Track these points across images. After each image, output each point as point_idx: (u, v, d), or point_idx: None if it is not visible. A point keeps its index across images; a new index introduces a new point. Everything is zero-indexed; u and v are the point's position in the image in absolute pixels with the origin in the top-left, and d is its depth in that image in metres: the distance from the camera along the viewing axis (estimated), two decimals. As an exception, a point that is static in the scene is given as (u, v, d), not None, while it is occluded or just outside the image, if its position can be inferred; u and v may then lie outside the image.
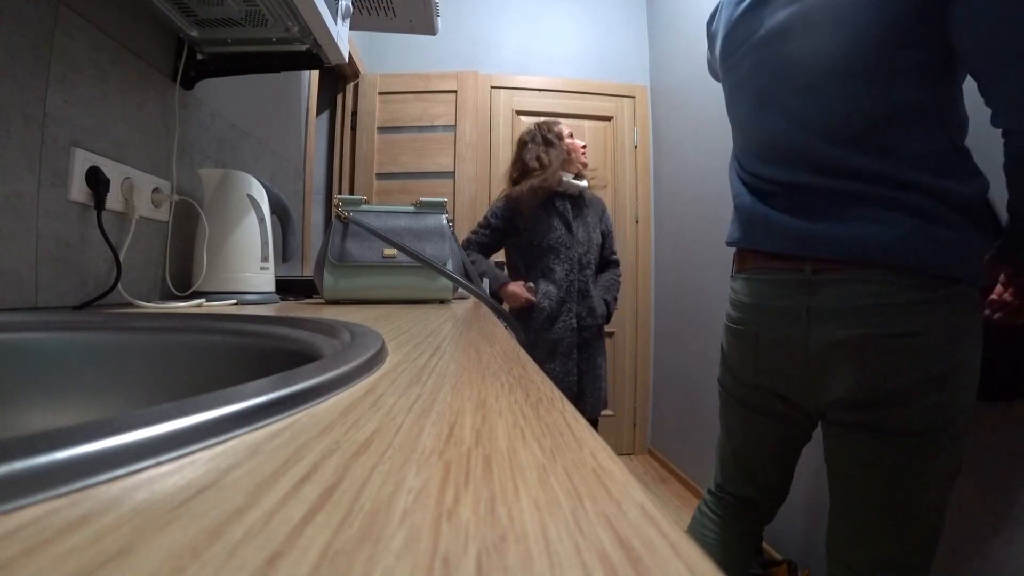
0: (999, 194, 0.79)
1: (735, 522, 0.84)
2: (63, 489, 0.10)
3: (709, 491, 0.90)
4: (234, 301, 0.81)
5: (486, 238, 1.49)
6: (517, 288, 1.42)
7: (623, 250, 2.33)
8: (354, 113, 2.23)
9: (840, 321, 0.64)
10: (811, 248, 0.66)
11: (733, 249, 0.82)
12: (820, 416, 0.71)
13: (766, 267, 0.73)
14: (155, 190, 0.79)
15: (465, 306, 0.86)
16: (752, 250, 0.76)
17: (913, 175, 0.61)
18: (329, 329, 0.34)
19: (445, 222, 0.92)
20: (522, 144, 1.53)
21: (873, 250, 0.61)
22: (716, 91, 1.13)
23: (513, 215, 1.46)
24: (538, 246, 1.44)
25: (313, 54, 0.88)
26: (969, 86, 0.61)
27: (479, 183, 2.22)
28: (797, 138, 0.68)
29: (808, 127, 0.67)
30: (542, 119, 1.56)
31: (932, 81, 0.60)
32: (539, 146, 1.49)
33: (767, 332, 0.73)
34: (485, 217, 1.50)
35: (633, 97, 2.40)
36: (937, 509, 0.63)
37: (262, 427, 0.14)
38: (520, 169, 1.50)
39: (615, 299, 1.52)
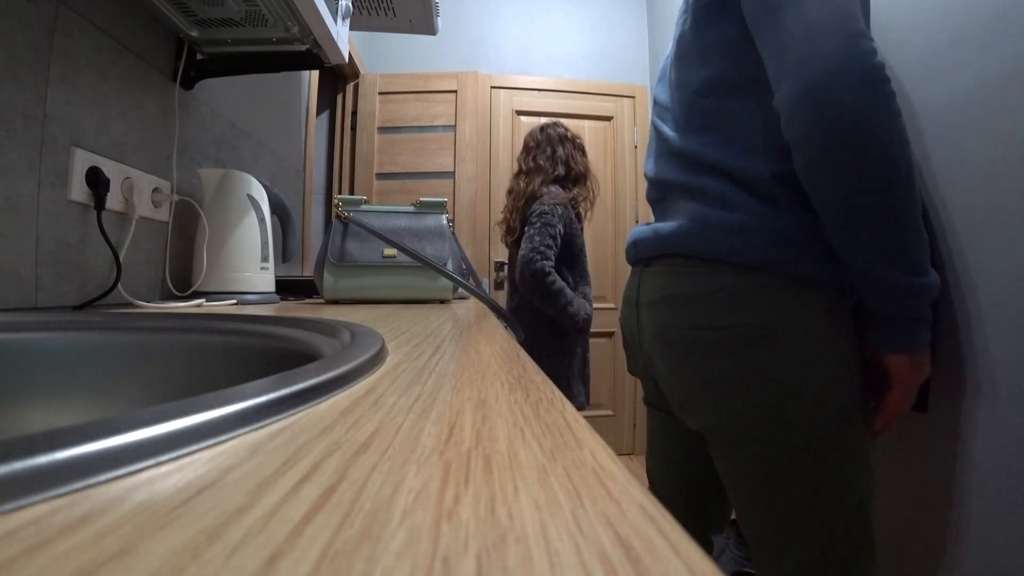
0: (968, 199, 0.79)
1: None
2: (63, 489, 0.10)
3: None
4: (234, 301, 0.81)
5: (556, 253, 1.35)
6: None
7: (623, 249, 2.33)
8: (354, 113, 2.23)
9: (653, 312, 0.63)
10: (643, 252, 0.68)
11: None
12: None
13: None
14: (155, 190, 0.79)
15: (465, 306, 0.86)
16: None
17: (721, 156, 0.58)
18: (329, 329, 0.34)
19: (445, 222, 0.92)
20: (557, 141, 1.45)
21: (668, 243, 0.61)
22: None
23: (569, 221, 1.37)
24: (580, 251, 1.43)
25: (313, 54, 0.88)
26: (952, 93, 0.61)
27: (479, 183, 2.22)
28: (666, 132, 0.69)
29: (669, 120, 0.69)
30: (554, 120, 1.52)
31: (740, 53, 0.57)
32: (576, 151, 1.47)
33: (623, 322, 0.76)
34: (552, 226, 1.32)
35: (633, 97, 2.40)
36: (825, 534, 0.53)
37: (262, 427, 0.14)
38: (565, 169, 1.43)
39: None
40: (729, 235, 0.55)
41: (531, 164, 1.45)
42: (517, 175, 1.47)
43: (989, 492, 0.78)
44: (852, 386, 0.54)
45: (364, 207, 0.91)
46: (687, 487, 0.75)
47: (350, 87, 2.23)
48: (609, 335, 2.28)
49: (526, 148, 1.49)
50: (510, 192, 1.47)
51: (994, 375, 0.77)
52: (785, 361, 0.53)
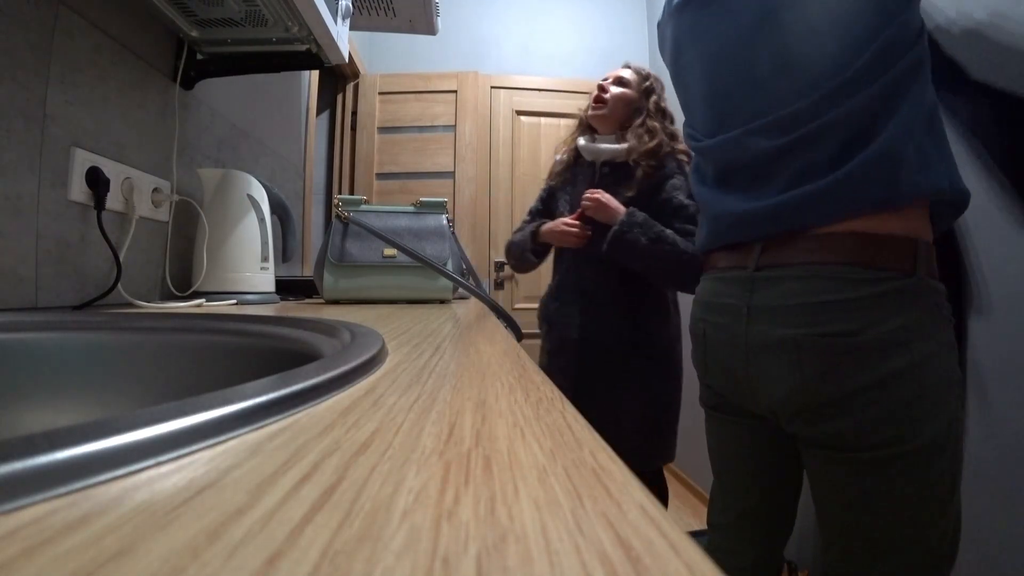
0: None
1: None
2: (63, 489, 0.10)
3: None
4: (234, 301, 0.81)
5: None
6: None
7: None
8: (354, 113, 2.23)
9: (778, 319, 0.61)
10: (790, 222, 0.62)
11: None
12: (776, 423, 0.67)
13: (718, 267, 0.73)
14: (155, 190, 0.79)
15: (465, 306, 0.86)
16: (710, 251, 0.76)
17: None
18: (329, 329, 0.34)
19: (445, 222, 0.92)
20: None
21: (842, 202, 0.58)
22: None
23: None
24: None
25: (313, 54, 0.88)
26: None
27: (479, 183, 2.22)
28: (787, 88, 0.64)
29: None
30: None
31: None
32: None
33: (712, 331, 0.71)
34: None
35: (633, 97, 2.40)
36: (921, 535, 0.56)
37: (262, 427, 0.14)
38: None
39: None
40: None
41: (659, 115, 1.14)
42: (654, 113, 1.13)
43: (985, 486, 0.78)
44: (961, 388, 0.59)
45: (364, 207, 0.91)
46: (769, 494, 0.75)
47: (350, 87, 2.23)
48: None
49: (658, 89, 1.17)
50: (643, 127, 1.11)
51: (985, 373, 0.77)
52: (922, 364, 0.55)
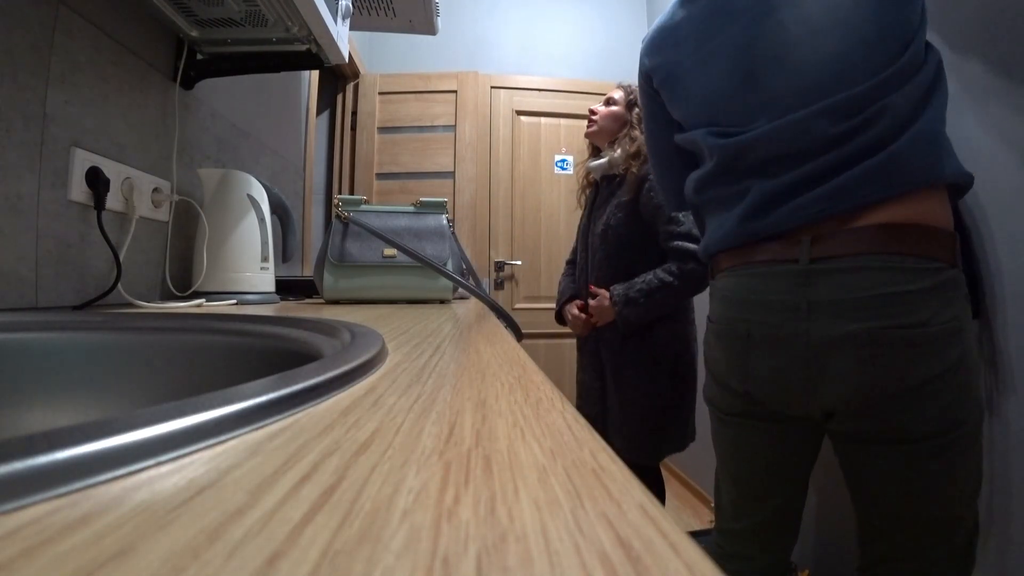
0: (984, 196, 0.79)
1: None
2: (63, 489, 0.10)
3: (715, 540, 0.82)
4: (234, 301, 0.81)
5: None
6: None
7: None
8: (354, 113, 2.23)
9: (845, 313, 0.58)
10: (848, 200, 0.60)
11: None
12: (820, 423, 0.66)
13: (755, 261, 0.67)
14: (155, 190, 0.79)
15: (465, 306, 0.86)
16: (733, 248, 0.70)
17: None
18: (329, 329, 0.34)
19: (445, 222, 0.92)
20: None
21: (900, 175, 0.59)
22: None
23: None
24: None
25: (313, 54, 0.88)
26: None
27: (479, 183, 2.22)
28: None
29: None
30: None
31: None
32: None
33: (759, 330, 0.65)
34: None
35: (633, 97, 2.40)
36: (970, 513, 0.61)
37: (262, 427, 0.14)
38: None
39: None
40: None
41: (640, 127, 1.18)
42: (637, 124, 1.19)
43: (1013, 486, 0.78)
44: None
45: (364, 207, 0.91)
46: (787, 501, 0.74)
47: (350, 87, 2.23)
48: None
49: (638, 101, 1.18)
50: (627, 136, 1.20)
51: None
52: (969, 351, 0.58)
